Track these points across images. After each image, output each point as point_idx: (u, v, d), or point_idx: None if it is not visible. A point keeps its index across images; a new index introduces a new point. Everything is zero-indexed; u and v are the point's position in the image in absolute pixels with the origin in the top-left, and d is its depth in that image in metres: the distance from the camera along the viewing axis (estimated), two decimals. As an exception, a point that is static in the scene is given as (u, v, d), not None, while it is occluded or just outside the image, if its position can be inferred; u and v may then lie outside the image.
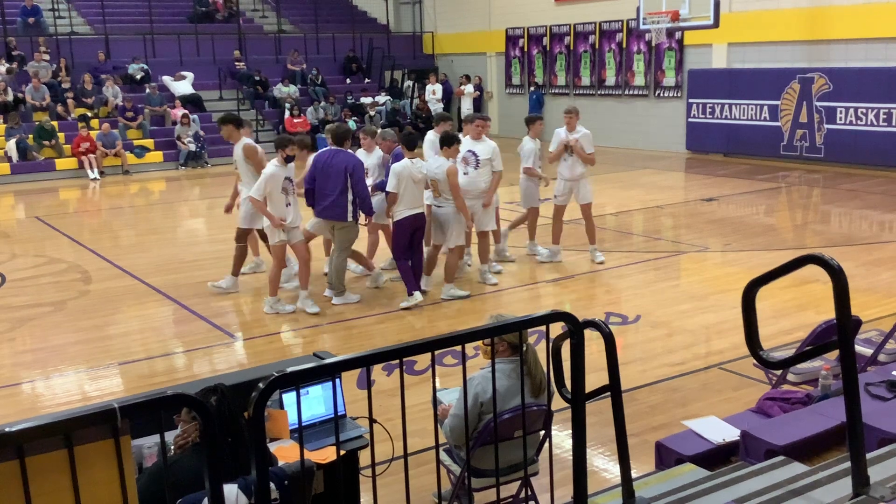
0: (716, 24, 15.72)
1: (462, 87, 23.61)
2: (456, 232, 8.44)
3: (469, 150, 8.91)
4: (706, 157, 18.71)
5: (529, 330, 3.46)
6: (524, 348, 3.93)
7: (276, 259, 8.19)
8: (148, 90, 20.56)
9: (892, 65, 15.55)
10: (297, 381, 2.58)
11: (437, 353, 2.84)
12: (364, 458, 3.82)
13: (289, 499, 3.07)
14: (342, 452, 3.51)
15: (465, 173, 8.80)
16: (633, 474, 3.61)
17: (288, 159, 7.99)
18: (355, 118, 21.55)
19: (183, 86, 21.15)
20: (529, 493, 4.08)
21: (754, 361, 3.63)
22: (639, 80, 20.49)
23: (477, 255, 9.33)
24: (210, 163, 19.69)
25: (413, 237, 8.35)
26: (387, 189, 8.26)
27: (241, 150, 8.86)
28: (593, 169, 9.99)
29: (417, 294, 8.29)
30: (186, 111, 19.97)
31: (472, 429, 3.93)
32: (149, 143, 19.66)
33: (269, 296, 8.31)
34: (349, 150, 8.36)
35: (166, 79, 21.28)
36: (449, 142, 8.32)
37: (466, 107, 23.47)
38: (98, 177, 18.20)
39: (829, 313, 3.62)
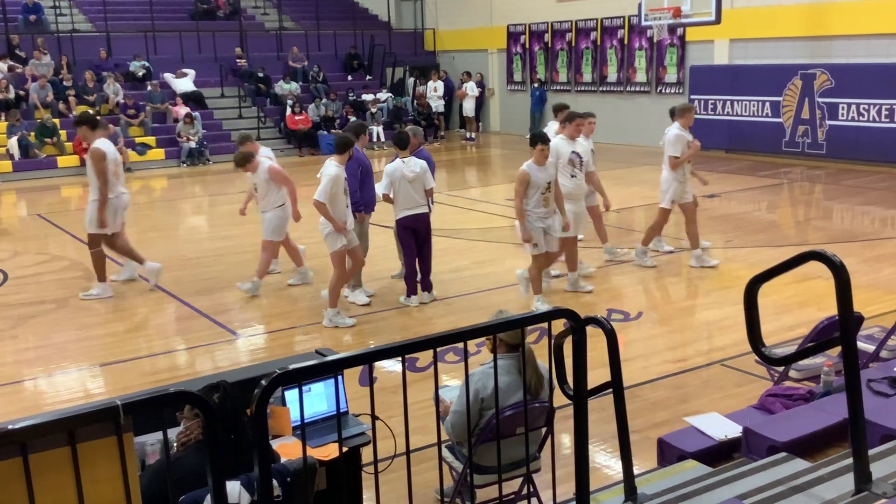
0: (717, 21, 15.71)
1: (463, 90, 23.55)
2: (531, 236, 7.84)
3: (573, 152, 8.37)
4: (708, 154, 18.64)
5: (532, 327, 3.45)
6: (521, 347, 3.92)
7: (337, 267, 7.76)
8: (149, 87, 20.57)
9: (894, 61, 15.52)
10: (300, 378, 2.58)
11: (438, 350, 2.84)
12: (366, 454, 3.83)
13: (291, 496, 3.07)
14: (344, 449, 3.51)
15: (572, 176, 8.37)
16: (635, 471, 3.62)
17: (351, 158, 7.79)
18: (356, 115, 21.57)
19: (184, 83, 21.15)
20: (531, 489, 4.08)
21: (756, 358, 3.63)
22: (640, 76, 20.48)
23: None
24: (212, 160, 19.70)
25: (416, 237, 8.21)
26: (381, 190, 8.20)
27: (89, 153, 8.76)
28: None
29: (414, 298, 8.27)
30: (189, 110, 19.97)
31: (473, 425, 3.93)
32: (150, 140, 19.68)
33: (328, 307, 7.84)
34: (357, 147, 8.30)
35: (168, 76, 21.29)
36: (534, 141, 7.71)
37: (469, 105, 23.47)
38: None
39: (831, 310, 3.62)
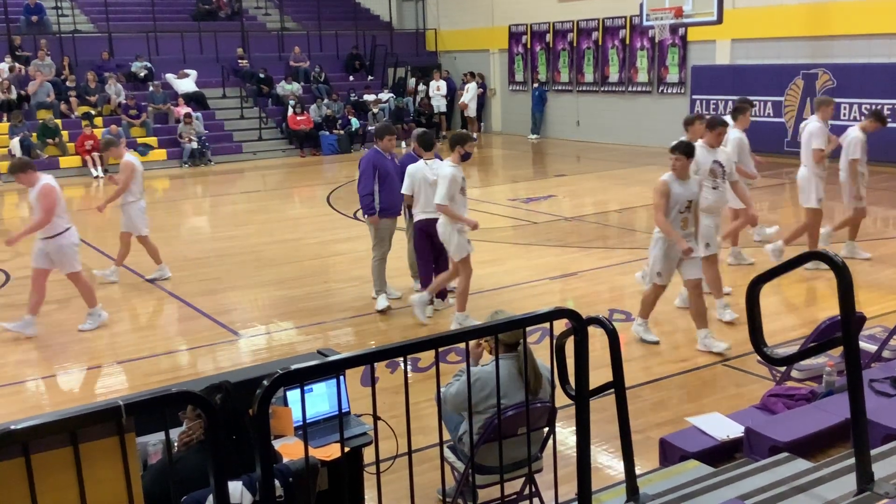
0: (719, 21, 15.70)
1: (465, 101, 23.47)
2: (659, 262, 7.00)
3: (715, 161, 7.68)
4: (710, 154, 18.67)
5: (533, 327, 3.45)
6: (520, 347, 3.92)
7: (464, 271, 7.54)
8: (151, 88, 20.59)
9: (896, 60, 15.53)
10: (302, 378, 2.58)
11: (440, 350, 2.84)
12: (368, 455, 3.83)
13: (293, 496, 3.07)
14: (346, 449, 3.52)
15: (714, 188, 7.65)
16: (637, 471, 3.62)
17: (465, 157, 7.54)
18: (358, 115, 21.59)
19: (186, 84, 21.17)
20: (533, 489, 4.08)
21: (758, 358, 3.63)
22: (642, 76, 20.47)
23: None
24: (213, 161, 19.72)
25: (432, 241, 7.94)
26: (402, 191, 8.10)
27: None
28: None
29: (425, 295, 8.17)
30: (190, 110, 19.98)
31: (474, 412, 3.92)
32: (152, 140, 19.69)
33: (457, 311, 7.68)
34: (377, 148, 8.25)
35: (169, 76, 21.30)
36: (683, 151, 6.79)
37: (471, 105, 23.45)
38: (101, 175, 18.21)
39: (833, 310, 3.62)
